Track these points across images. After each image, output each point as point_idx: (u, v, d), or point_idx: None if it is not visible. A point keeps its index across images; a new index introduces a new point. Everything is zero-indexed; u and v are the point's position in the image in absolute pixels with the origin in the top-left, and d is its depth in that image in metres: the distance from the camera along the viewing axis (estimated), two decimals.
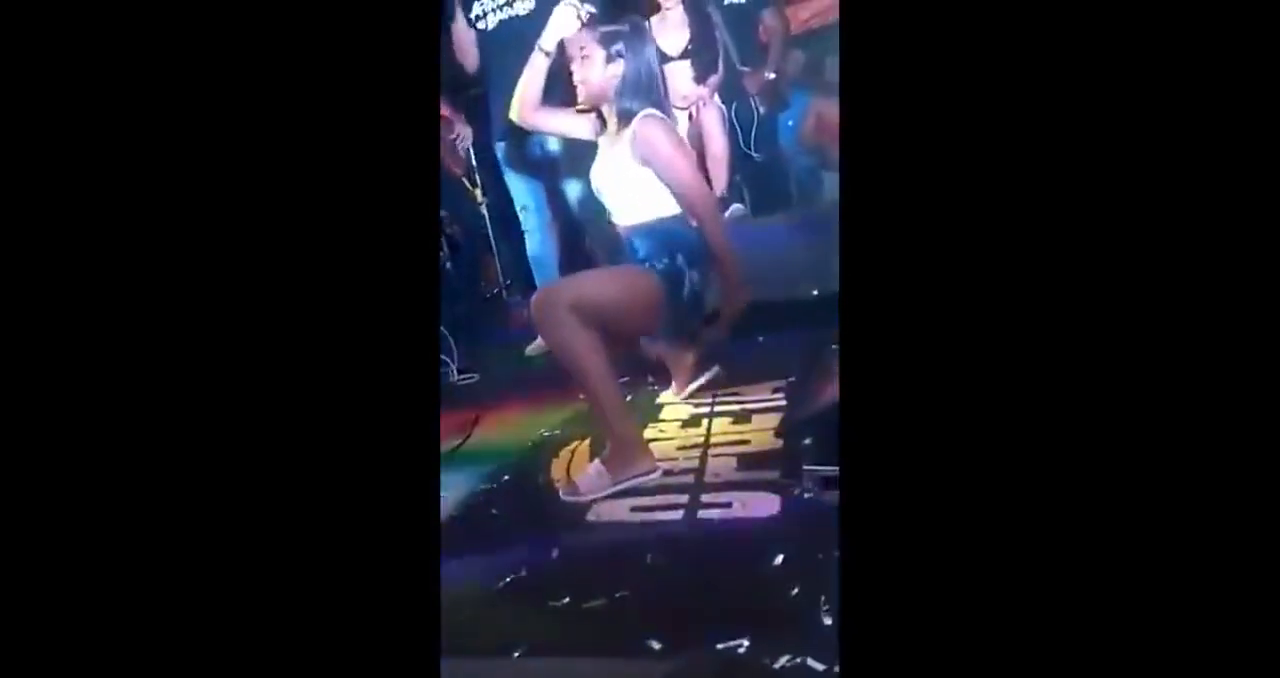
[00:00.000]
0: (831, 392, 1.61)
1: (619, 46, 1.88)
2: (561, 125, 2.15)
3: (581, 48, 1.91)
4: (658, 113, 1.89)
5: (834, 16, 4.31)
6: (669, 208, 1.91)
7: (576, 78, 1.93)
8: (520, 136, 2.79)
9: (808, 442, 1.57)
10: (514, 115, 2.12)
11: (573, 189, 2.83)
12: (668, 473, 1.71)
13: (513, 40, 2.59)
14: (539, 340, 2.81)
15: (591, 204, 2.26)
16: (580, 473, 1.73)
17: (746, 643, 1.07)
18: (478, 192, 3.61)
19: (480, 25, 2.76)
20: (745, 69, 3.17)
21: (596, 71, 1.90)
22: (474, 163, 3.54)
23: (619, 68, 1.89)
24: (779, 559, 1.27)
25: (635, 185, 1.91)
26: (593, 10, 2.01)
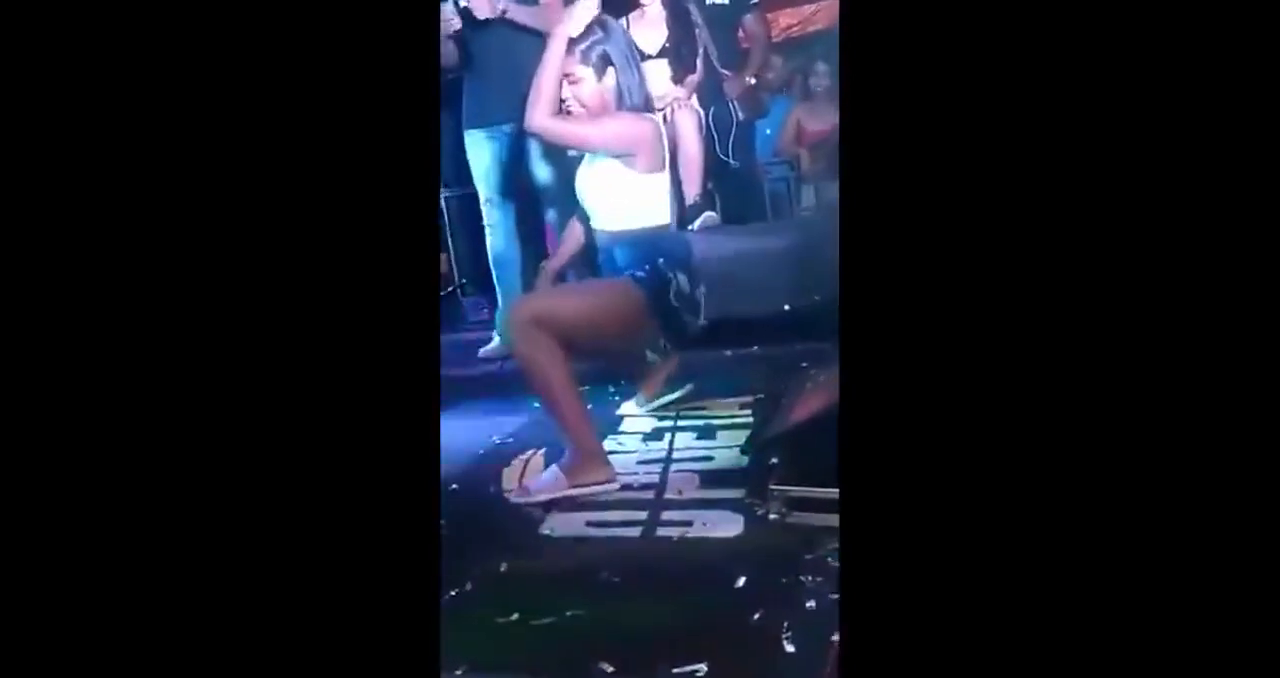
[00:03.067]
0: (802, 410, 1.58)
1: (600, 52, 1.82)
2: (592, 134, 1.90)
3: (567, 75, 1.82)
4: (653, 118, 1.86)
5: (815, 26, 4.35)
6: (655, 218, 1.87)
7: (570, 103, 1.85)
8: (493, 127, 2.72)
9: (775, 461, 1.53)
10: (529, 124, 1.86)
11: (548, 189, 2.76)
12: (626, 488, 1.67)
13: (493, 25, 2.54)
14: (494, 343, 2.76)
15: (570, 205, 2.16)
16: (534, 477, 1.69)
17: (704, 669, 1.04)
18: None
19: (463, 4, 2.68)
20: (726, 72, 3.13)
21: (590, 89, 1.83)
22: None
23: (612, 78, 1.83)
24: (741, 582, 1.24)
25: (624, 192, 1.87)
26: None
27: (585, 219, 2.02)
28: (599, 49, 1.82)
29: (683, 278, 1.81)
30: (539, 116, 1.81)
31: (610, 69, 1.83)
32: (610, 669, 1.07)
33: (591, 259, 2.01)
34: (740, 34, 3.32)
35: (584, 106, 1.85)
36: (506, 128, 2.71)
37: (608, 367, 2.06)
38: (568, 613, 1.21)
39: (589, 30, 1.83)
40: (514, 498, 1.64)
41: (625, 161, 1.84)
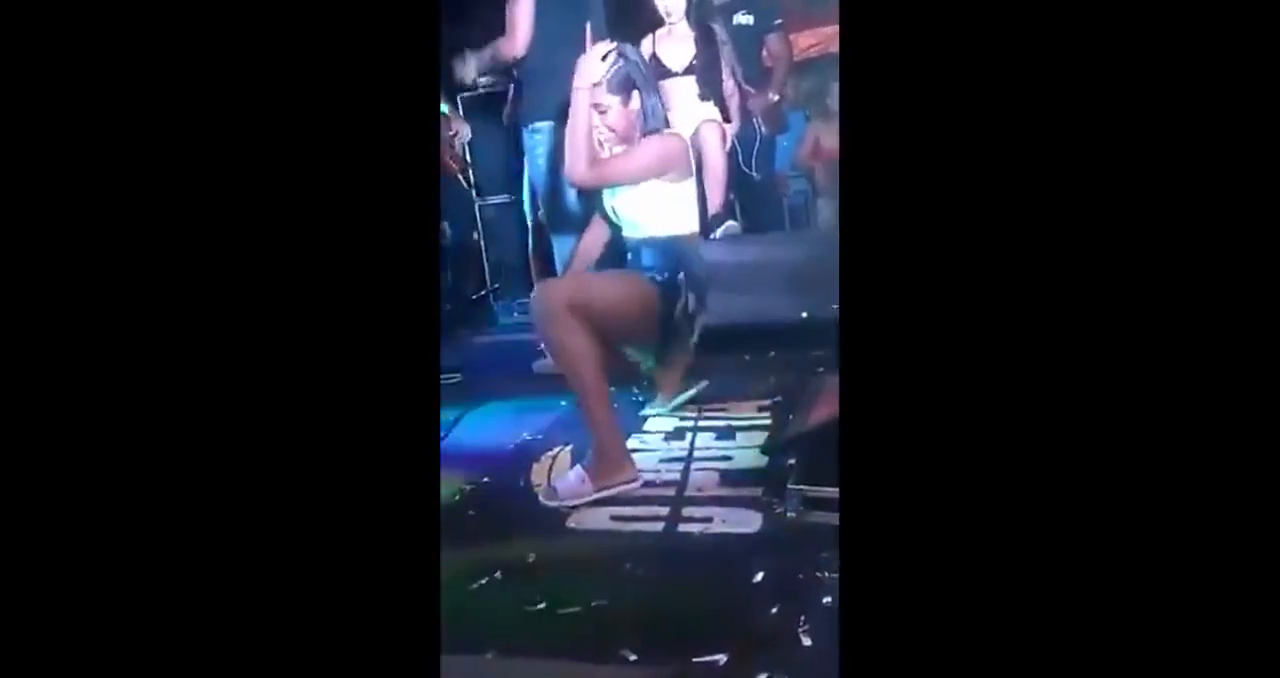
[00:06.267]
0: (818, 413, 1.62)
1: (623, 77, 1.87)
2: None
3: (596, 104, 1.87)
4: (678, 133, 1.91)
5: (833, 47, 4.39)
6: (682, 226, 1.92)
7: (600, 132, 1.90)
8: (558, 125, 2.71)
9: (792, 461, 1.57)
10: (572, 178, 1.93)
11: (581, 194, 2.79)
12: (649, 484, 1.71)
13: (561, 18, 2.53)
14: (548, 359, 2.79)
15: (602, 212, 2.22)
16: (561, 478, 1.73)
17: (724, 659, 1.07)
18: (473, 191, 3.60)
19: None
20: (750, 89, 3.19)
21: (618, 115, 1.89)
22: (469, 160, 3.52)
23: (636, 100, 1.89)
24: (759, 577, 1.28)
25: (653, 200, 1.92)
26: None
27: (609, 222, 2.07)
28: (621, 74, 1.87)
29: (692, 298, 1.86)
30: (580, 169, 1.88)
31: (634, 92, 1.88)
32: (633, 657, 1.10)
33: (609, 261, 2.06)
34: (764, 53, 3.37)
35: (613, 131, 1.90)
36: (543, 125, 2.69)
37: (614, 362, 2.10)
38: (592, 603, 1.25)
39: (609, 61, 1.88)
40: (543, 500, 1.69)
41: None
